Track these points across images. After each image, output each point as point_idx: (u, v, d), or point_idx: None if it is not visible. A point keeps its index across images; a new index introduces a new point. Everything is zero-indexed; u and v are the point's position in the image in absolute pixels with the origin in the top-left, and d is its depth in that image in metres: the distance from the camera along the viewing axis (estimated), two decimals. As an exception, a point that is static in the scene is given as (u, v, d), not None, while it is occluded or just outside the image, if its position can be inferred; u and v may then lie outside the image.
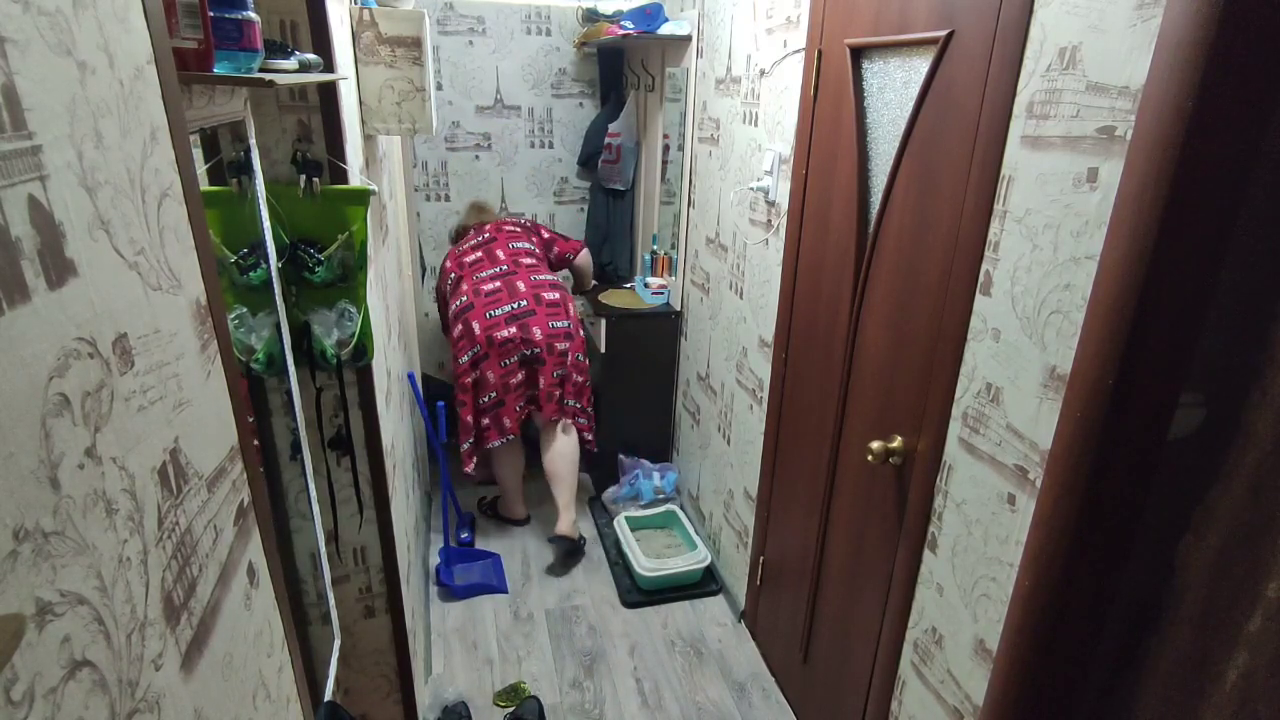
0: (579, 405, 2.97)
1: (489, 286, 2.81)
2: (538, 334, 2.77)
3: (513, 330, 2.74)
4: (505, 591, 2.80)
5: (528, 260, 2.94)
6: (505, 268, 2.88)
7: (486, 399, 2.81)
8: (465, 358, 2.78)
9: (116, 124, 0.56)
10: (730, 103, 2.48)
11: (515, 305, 2.77)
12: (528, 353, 2.77)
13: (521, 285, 2.82)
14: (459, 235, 3.21)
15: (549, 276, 2.92)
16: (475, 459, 2.89)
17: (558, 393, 2.87)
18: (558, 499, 2.93)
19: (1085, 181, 1.09)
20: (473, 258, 2.93)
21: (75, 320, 0.47)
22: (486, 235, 3.01)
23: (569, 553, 2.93)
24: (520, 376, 2.81)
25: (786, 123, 2.08)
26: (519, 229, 3.08)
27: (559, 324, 2.81)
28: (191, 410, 0.66)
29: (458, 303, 2.83)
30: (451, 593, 2.77)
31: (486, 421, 2.84)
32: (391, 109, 1.70)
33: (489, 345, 2.74)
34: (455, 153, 3.57)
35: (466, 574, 2.84)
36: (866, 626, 1.80)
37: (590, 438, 3.04)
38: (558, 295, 2.87)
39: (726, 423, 2.71)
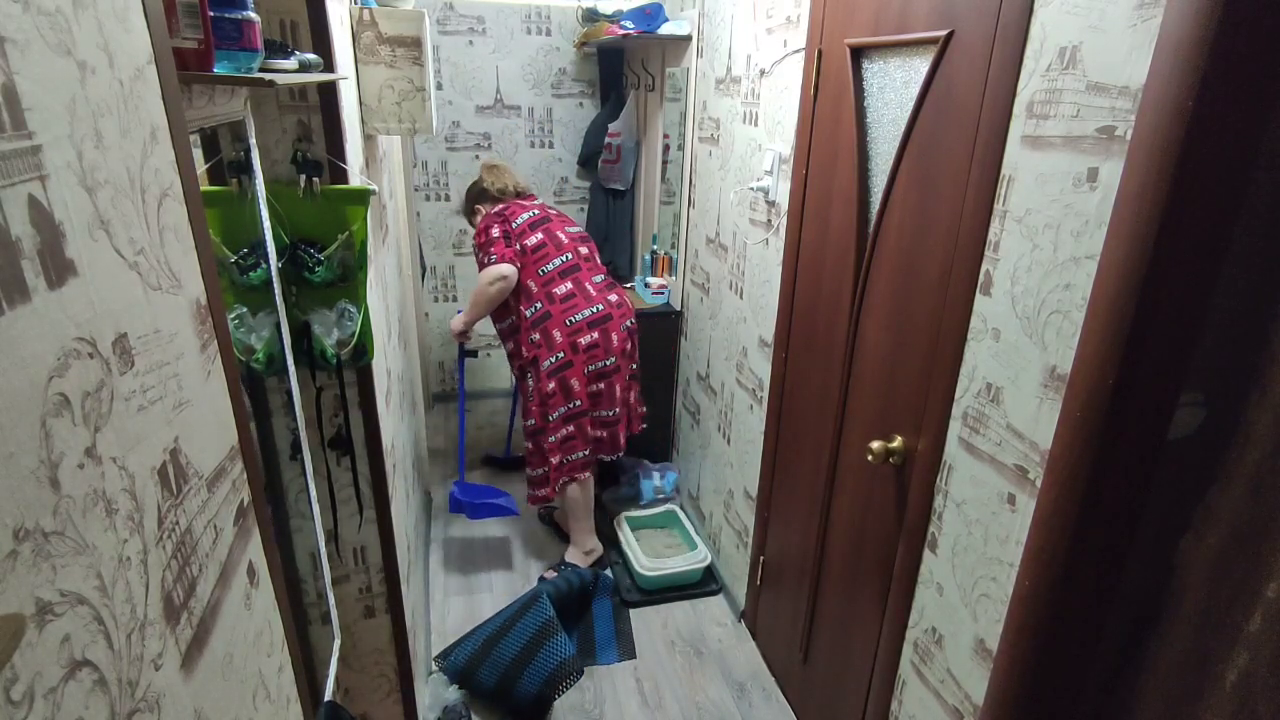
0: (640, 407, 2.92)
1: (561, 289, 2.59)
2: (615, 341, 2.63)
3: (595, 335, 2.60)
4: (516, 514, 2.93)
5: (584, 250, 2.72)
6: (569, 256, 2.63)
7: (572, 406, 2.64)
8: (547, 362, 2.60)
9: (116, 124, 0.56)
10: (730, 102, 2.48)
11: (592, 310, 2.60)
12: (606, 363, 2.64)
13: (591, 289, 2.64)
14: (479, 198, 2.83)
15: (605, 276, 2.74)
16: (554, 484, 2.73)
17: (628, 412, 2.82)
18: (585, 526, 2.90)
19: (1085, 181, 1.09)
20: (534, 240, 2.60)
21: (75, 320, 0.47)
22: (537, 213, 2.67)
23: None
24: (598, 387, 2.67)
25: (786, 122, 2.08)
26: (555, 211, 2.80)
27: (626, 324, 2.69)
28: (191, 410, 0.66)
29: (530, 310, 2.60)
30: (464, 510, 2.89)
31: (601, 434, 2.73)
32: (391, 109, 1.70)
33: (573, 352, 2.59)
34: (455, 153, 3.57)
35: (480, 496, 2.93)
36: (866, 626, 1.80)
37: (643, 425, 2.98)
38: (617, 295, 2.71)
39: (726, 422, 2.71)
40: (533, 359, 2.64)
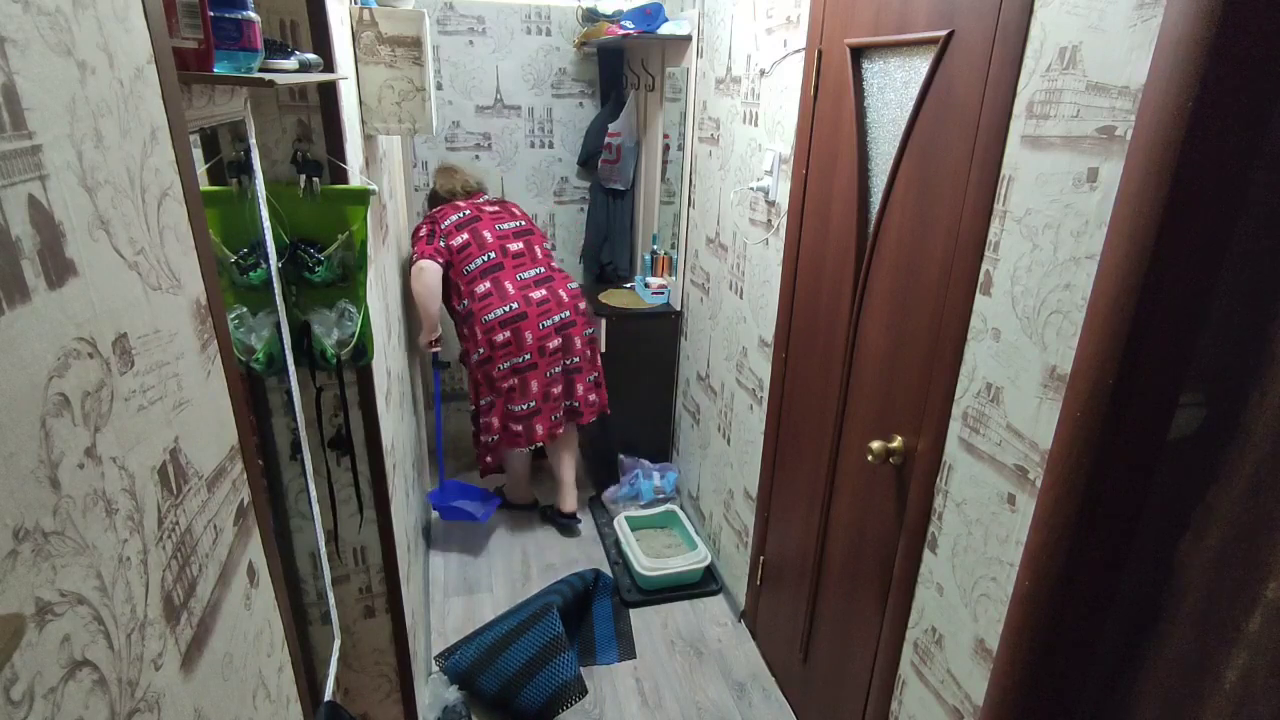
0: (596, 399, 3.02)
1: (481, 288, 2.75)
2: (529, 339, 2.75)
3: (507, 334, 2.74)
4: (482, 521, 2.98)
5: (514, 246, 2.84)
6: (493, 255, 2.78)
7: (496, 396, 2.85)
8: (474, 356, 2.81)
9: (116, 124, 0.56)
10: (730, 102, 2.48)
11: (505, 310, 2.73)
12: (519, 360, 2.77)
13: (510, 287, 2.76)
14: (432, 200, 3.03)
15: (537, 271, 2.84)
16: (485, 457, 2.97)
17: (561, 401, 2.92)
18: (564, 478, 3.12)
19: (1085, 181, 1.09)
20: (459, 240, 2.76)
21: (75, 320, 0.47)
22: (468, 213, 2.83)
23: (568, 528, 3.15)
24: (513, 383, 2.82)
25: (786, 123, 2.08)
26: (498, 206, 2.95)
27: (549, 321, 2.79)
28: (191, 410, 0.66)
29: (460, 306, 2.80)
30: (436, 511, 3.02)
31: (518, 427, 2.87)
32: (391, 109, 1.70)
33: (490, 349, 2.76)
34: (455, 153, 3.57)
35: (453, 499, 3.05)
36: (866, 626, 1.80)
37: (605, 412, 3.10)
38: (544, 292, 2.81)
39: (726, 422, 2.71)
40: (465, 350, 2.88)
